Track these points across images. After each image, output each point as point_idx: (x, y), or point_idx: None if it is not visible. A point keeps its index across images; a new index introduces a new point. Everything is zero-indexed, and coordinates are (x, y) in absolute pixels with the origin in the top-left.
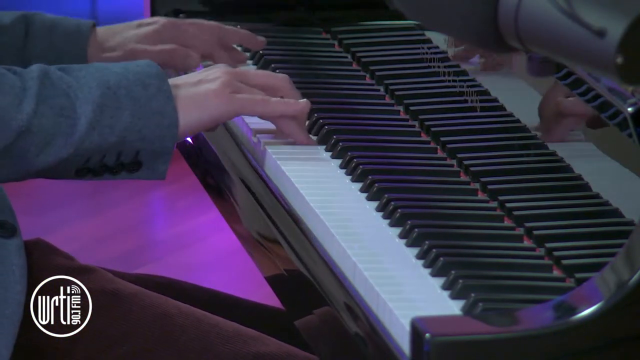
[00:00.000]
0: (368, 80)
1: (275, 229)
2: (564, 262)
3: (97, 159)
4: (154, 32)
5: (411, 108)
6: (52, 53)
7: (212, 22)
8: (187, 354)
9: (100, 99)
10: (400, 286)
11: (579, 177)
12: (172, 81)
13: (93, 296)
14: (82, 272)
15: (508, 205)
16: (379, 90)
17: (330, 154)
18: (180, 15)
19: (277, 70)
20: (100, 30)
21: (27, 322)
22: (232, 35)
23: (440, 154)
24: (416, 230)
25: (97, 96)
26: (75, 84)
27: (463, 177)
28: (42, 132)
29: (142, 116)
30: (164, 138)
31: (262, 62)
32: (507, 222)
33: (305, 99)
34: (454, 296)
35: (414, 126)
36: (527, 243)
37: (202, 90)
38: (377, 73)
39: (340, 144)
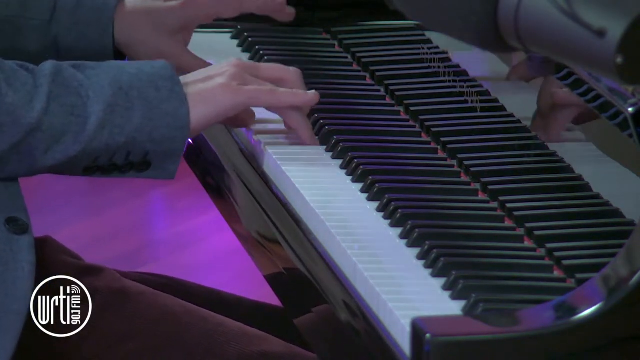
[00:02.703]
0: (368, 81)
1: (275, 229)
2: (565, 262)
3: (106, 158)
4: (180, 6)
5: (411, 108)
6: (78, 27)
7: None
8: (193, 353)
9: (111, 99)
10: (401, 287)
11: (580, 178)
12: (181, 79)
13: (100, 295)
14: (90, 271)
15: (509, 205)
16: (379, 90)
17: (330, 154)
18: None
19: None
20: (129, 2)
21: (28, 319)
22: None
23: (440, 154)
24: (417, 230)
25: (108, 96)
26: (87, 82)
27: (464, 178)
28: (52, 130)
29: (153, 118)
30: (174, 140)
31: (263, 62)
32: (508, 223)
33: (313, 91)
34: (455, 297)
35: (414, 127)
36: (527, 243)
37: (210, 86)
38: (378, 73)
39: (341, 144)
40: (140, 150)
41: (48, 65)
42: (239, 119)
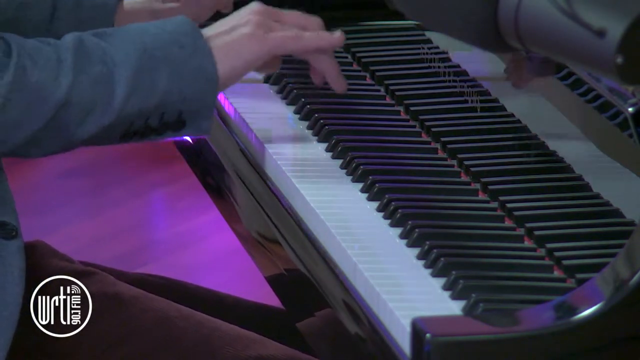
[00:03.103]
0: (368, 81)
1: (275, 229)
2: (565, 262)
3: (140, 122)
4: (179, 8)
5: (411, 108)
6: (79, 28)
7: None
8: (188, 357)
9: (137, 63)
10: (401, 287)
11: (580, 178)
12: (204, 32)
13: (93, 299)
14: (82, 274)
15: (509, 205)
16: (379, 90)
17: (330, 154)
18: None
19: (277, 71)
20: (127, 3)
21: (27, 322)
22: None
23: (440, 154)
24: (417, 230)
25: (133, 60)
26: (111, 49)
27: (464, 178)
28: (82, 102)
29: (181, 77)
30: (205, 94)
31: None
32: (508, 223)
33: (339, 31)
34: (455, 297)
35: (414, 126)
36: (527, 243)
37: (235, 37)
38: (378, 73)
39: (341, 144)
40: (174, 109)
41: (69, 37)
42: (266, 65)
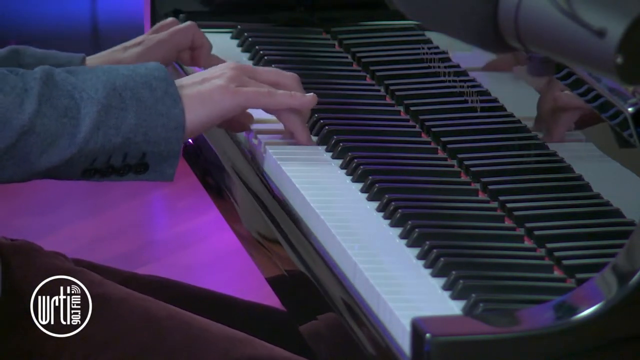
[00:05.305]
0: (368, 81)
1: (276, 229)
2: (565, 262)
3: (103, 160)
4: (142, 52)
5: (411, 108)
6: None
7: (187, 24)
8: (174, 359)
9: (105, 100)
10: (401, 286)
11: (580, 178)
12: (178, 82)
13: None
14: (68, 275)
15: (509, 205)
16: (379, 90)
17: (330, 154)
18: (180, 15)
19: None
20: (90, 60)
21: (27, 323)
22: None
23: (440, 154)
24: (417, 230)
25: (102, 97)
26: (80, 84)
27: (464, 178)
28: (46, 132)
29: (147, 118)
30: (170, 140)
31: (263, 62)
32: (508, 223)
33: (312, 93)
34: (455, 296)
35: (414, 126)
36: (527, 243)
37: (207, 87)
38: (378, 73)
39: (341, 144)
40: (137, 151)
41: (39, 69)
42: (237, 123)
